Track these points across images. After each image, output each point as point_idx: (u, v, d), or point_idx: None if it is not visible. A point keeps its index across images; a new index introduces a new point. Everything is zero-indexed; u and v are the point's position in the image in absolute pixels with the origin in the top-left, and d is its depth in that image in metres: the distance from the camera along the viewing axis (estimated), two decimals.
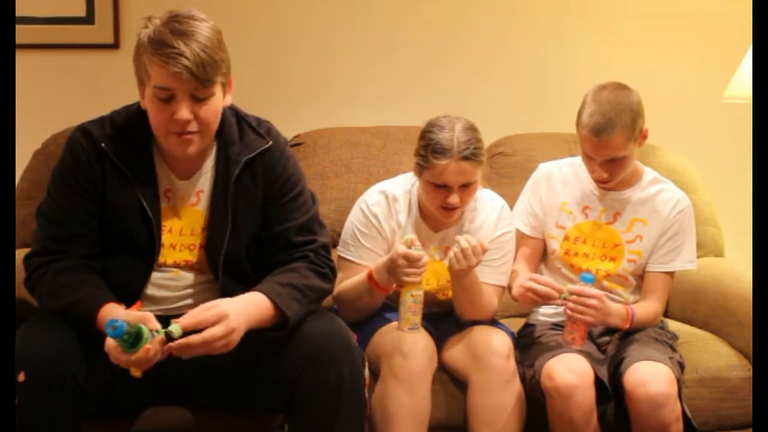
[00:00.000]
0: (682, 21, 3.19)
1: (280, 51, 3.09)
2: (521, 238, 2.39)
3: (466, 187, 2.18)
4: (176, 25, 1.79)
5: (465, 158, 2.13)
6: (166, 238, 1.95)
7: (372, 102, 3.15)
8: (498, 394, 2.11)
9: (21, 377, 1.70)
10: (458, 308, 2.27)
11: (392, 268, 2.12)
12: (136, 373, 1.70)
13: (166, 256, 1.96)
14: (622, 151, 2.18)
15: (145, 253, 1.93)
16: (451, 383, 2.23)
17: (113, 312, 1.78)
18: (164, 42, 1.77)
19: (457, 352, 2.21)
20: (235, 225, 1.95)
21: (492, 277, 2.28)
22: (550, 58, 3.18)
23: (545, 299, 2.17)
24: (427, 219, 2.29)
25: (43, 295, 1.89)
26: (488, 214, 2.31)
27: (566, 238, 2.34)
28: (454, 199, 2.17)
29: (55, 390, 1.73)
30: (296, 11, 3.11)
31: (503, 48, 3.17)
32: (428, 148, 2.15)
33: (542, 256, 2.42)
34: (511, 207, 2.41)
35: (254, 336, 1.84)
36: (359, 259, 2.28)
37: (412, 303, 2.13)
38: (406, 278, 2.10)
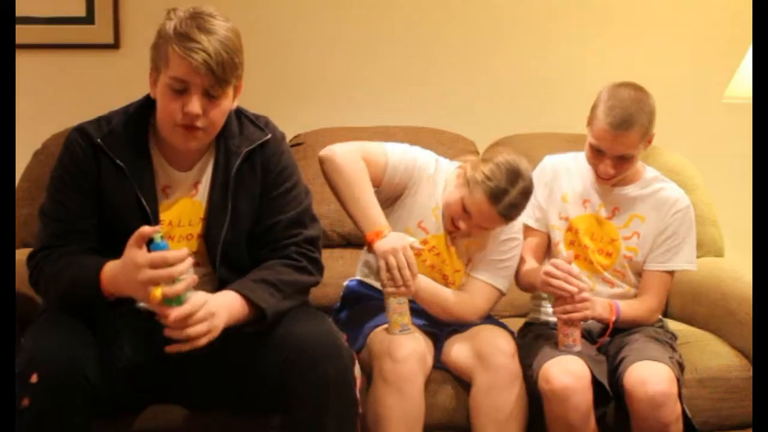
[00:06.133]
0: (683, 21, 3.19)
1: (280, 51, 3.09)
2: (526, 231, 2.39)
3: (482, 228, 2.22)
4: (201, 22, 1.82)
5: (503, 216, 2.17)
6: (164, 231, 1.94)
7: (372, 102, 3.15)
8: (503, 393, 2.11)
9: (34, 378, 1.70)
10: (435, 315, 2.26)
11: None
12: (157, 292, 1.68)
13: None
14: (633, 149, 2.19)
15: None
16: (453, 383, 2.22)
17: (113, 264, 1.78)
18: (189, 35, 1.79)
19: (461, 352, 2.21)
20: (234, 215, 1.96)
21: (488, 275, 2.28)
22: (551, 59, 3.18)
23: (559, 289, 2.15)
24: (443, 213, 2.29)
25: (47, 283, 1.89)
26: None
27: (569, 228, 2.35)
28: (463, 225, 2.20)
29: (70, 393, 1.73)
30: (296, 11, 3.11)
31: (504, 48, 3.18)
32: (484, 185, 2.14)
33: (548, 250, 2.42)
34: None
35: (246, 337, 1.86)
36: (389, 146, 2.28)
37: (396, 305, 2.12)
38: (386, 288, 2.12)
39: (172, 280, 1.70)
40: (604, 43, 3.18)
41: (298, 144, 2.87)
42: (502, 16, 3.16)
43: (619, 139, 2.17)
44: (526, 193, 2.19)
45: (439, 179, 2.28)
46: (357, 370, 1.91)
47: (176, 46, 1.79)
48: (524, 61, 3.18)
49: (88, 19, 3.03)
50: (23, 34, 2.81)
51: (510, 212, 2.17)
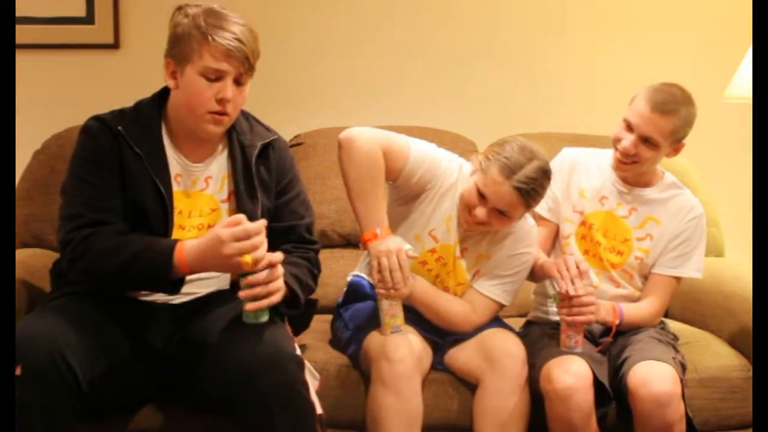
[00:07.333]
0: (682, 21, 3.19)
1: (280, 51, 3.09)
2: (537, 220, 2.38)
3: (501, 215, 2.14)
4: (225, 16, 1.93)
5: (519, 190, 2.09)
6: (176, 219, 1.99)
7: (372, 102, 3.15)
8: (510, 397, 2.11)
9: (18, 371, 1.68)
10: (429, 320, 2.24)
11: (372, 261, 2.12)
12: (247, 259, 1.79)
13: (176, 236, 1.98)
14: (660, 136, 2.20)
15: (158, 232, 1.95)
16: (455, 384, 2.22)
17: (193, 243, 1.84)
18: (224, 26, 1.90)
19: (469, 354, 2.20)
20: (262, 206, 2.03)
21: (492, 289, 2.25)
22: (551, 59, 3.18)
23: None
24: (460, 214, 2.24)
25: (98, 257, 1.87)
26: (515, 231, 2.26)
27: (583, 223, 2.35)
28: (480, 211, 2.13)
29: (54, 382, 1.72)
30: (296, 11, 3.11)
31: (504, 48, 3.17)
32: (498, 161, 2.11)
33: (555, 241, 2.42)
34: None
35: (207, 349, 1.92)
36: (414, 144, 2.19)
37: (388, 307, 2.13)
38: (377, 290, 2.12)
39: (255, 248, 1.82)
40: (605, 44, 3.18)
41: (298, 144, 2.87)
42: (503, 17, 3.16)
43: (653, 120, 2.19)
44: (543, 171, 2.12)
45: (459, 187, 2.22)
46: (308, 374, 1.92)
47: (215, 37, 1.89)
48: (525, 61, 3.18)
49: (88, 19, 3.03)
50: (23, 34, 2.82)
51: (526, 185, 2.08)
